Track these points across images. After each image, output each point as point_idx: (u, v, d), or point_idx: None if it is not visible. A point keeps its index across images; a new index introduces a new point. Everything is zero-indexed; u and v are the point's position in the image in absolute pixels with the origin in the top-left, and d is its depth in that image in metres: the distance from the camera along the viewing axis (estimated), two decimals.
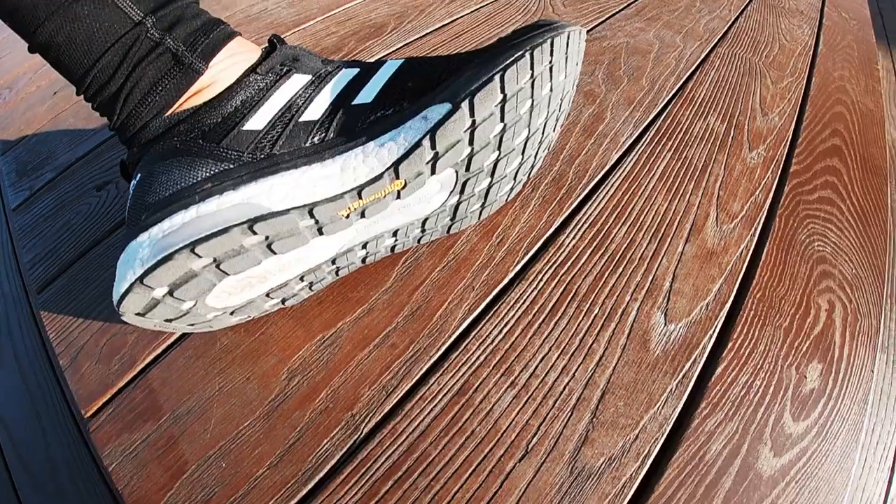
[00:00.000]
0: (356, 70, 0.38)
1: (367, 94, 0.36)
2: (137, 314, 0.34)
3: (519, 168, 0.41)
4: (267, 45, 0.38)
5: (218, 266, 0.32)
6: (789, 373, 0.42)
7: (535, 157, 0.43)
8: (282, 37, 0.39)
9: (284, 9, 0.81)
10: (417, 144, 0.32)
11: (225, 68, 0.36)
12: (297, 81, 0.36)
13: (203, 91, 0.35)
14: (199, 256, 0.31)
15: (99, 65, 0.34)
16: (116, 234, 0.49)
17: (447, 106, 0.32)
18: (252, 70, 0.36)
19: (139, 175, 0.35)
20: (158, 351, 0.41)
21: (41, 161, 0.60)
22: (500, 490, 0.34)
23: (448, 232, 0.45)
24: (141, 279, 0.31)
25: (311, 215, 0.32)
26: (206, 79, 0.35)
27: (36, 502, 0.50)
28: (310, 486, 0.35)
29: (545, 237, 0.47)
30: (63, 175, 0.57)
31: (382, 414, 0.36)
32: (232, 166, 0.34)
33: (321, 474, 0.35)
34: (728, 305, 0.44)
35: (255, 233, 0.31)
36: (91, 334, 0.43)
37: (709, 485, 0.35)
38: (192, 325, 0.37)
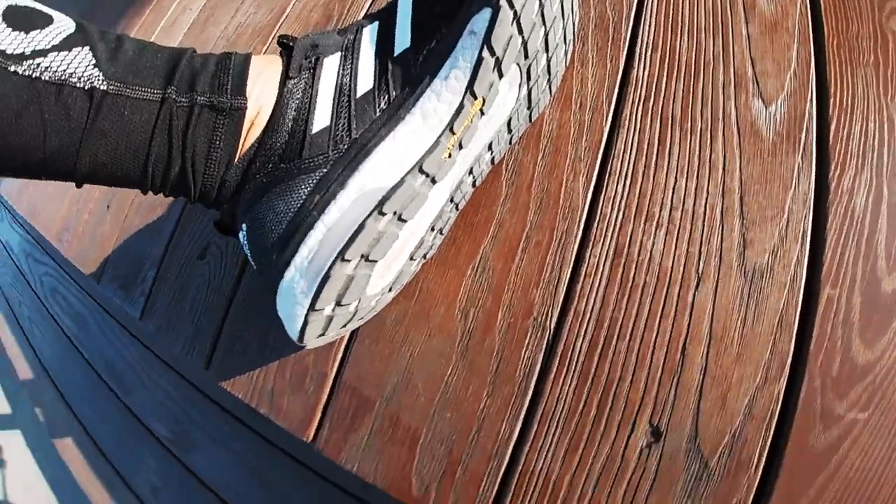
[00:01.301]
0: (375, 23, 0.39)
1: (402, 39, 0.38)
2: (319, 336, 0.39)
3: (565, 31, 0.43)
4: (280, 49, 0.40)
5: (367, 259, 0.36)
6: (895, 104, 0.43)
7: (573, 12, 0.44)
8: (288, 35, 0.40)
9: (255, 14, 0.83)
10: (479, 59, 0.35)
11: (261, 91, 0.37)
12: (331, 64, 0.38)
13: (255, 122, 0.37)
14: (349, 261, 0.35)
15: (151, 157, 0.35)
16: (243, 284, 0.55)
17: (488, 11, 0.34)
18: (285, 78, 0.38)
19: (245, 225, 0.38)
20: (340, 355, 0.47)
21: (136, 267, 0.67)
22: (691, 321, 0.38)
23: (531, 120, 0.47)
24: (312, 307, 0.35)
25: (422, 171, 0.36)
26: (252, 110, 0.37)
27: None
28: (529, 394, 0.40)
29: (618, 81, 0.48)
30: (163, 266, 0.63)
31: (559, 305, 0.41)
32: (326, 170, 0.36)
33: (534, 380, 0.40)
34: (812, 65, 0.45)
35: (384, 214, 0.35)
36: (272, 375, 0.49)
37: (868, 237, 0.38)
38: (363, 318, 0.43)
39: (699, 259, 0.39)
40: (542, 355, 0.40)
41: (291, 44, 0.39)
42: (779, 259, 0.38)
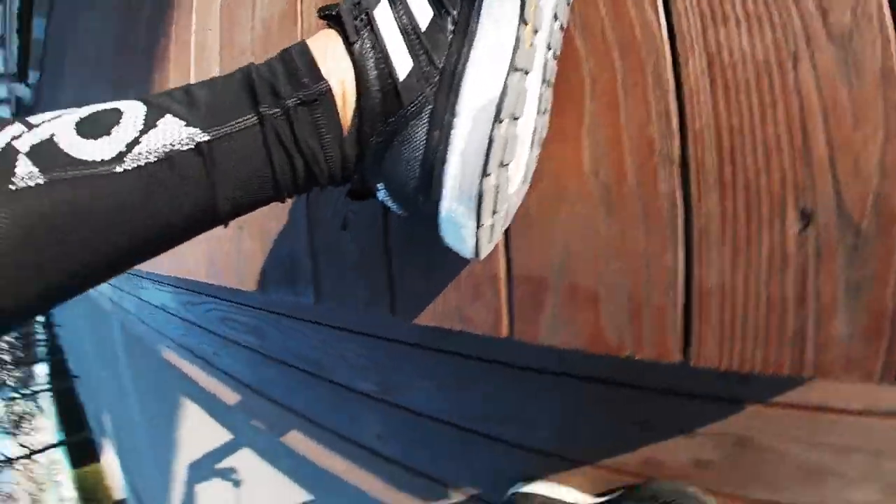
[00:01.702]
0: None
1: None
2: (488, 245, 0.44)
3: None
4: (325, 21, 0.42)
5: (503, 165, 0.40)
6: None
7: None
8: (325, 4, 0.42)
9: (269, 6, 0.87)
10: None
11: (335, 66, 0.40)
12: (383, 12, 0.40)
13: (345, 95, 0.40)
14: (490, 174, 0.39)
15: (276, 171, 0.39)
16: (391, 232, 0.63)
17: None
18: (348, 45, 0.40)
19: (381, 185, 0.43)
20: (501, 254, 0.54)
21: (291, 262, 0.78)
22: (801, 101, 0.39)
23: None
24: (478, 226, 0.40)
25: (516, 69, 0.39)
26: (336, 86, 0.39)
27: None
28: (680, 221, 0.44)
29: None
30: (315, 250, 0.74)
31: (677, 132, 0.44)
32: (431, 106, 0.40)
33: (680, 207, 0.44)
34: None
35: (501, 121, 0.38)
36: (451, 296, 0.58)
37: None
38: (512, 215, 0.49)
39: (786, 41, 0.40)
40: (678, 182, 0.44)
41: (335, 12, 0.41)
42: (860, 14, 0.38)
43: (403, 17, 0.40)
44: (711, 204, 0.43)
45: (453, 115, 0.39)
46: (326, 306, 0.74)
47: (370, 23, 0.40)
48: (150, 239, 0.37)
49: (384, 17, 0.40)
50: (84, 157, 0.33)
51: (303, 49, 0.40)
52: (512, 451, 0.81)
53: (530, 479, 0.77)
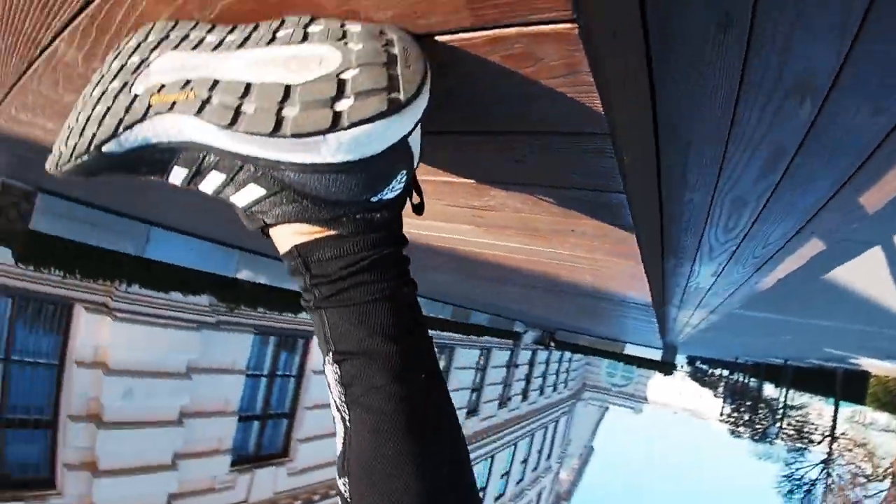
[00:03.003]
0: None
1: None
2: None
3: None
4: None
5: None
6: None
7: None
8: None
9: None
10: None
11: (288, 238, 0.47)
12: (242, 195, 0.46)
13: (308, 231, 0.46)
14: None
15: (376, 293, 0.45)
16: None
17: None
18: (265, 228, 0.48)
19: (384, 194, 0.44)
20: None
21: (600, 203, 0.85)
22: None
23: None
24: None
25: None
26: (299, 238, 0.46)
27: None
28: None
29: None
30: (567, 187, 0.80)
31: None
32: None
33: None
34: None
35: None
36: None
37: None
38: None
39: None
40: None
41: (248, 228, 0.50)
42: None
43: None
44: None
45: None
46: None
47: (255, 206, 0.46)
48: (407, 420, 0.44)
49: (243, 195, 0.46)
50: (340, 445, 0.46)
51: (282, 258, 0.49)
52: None
53: None
